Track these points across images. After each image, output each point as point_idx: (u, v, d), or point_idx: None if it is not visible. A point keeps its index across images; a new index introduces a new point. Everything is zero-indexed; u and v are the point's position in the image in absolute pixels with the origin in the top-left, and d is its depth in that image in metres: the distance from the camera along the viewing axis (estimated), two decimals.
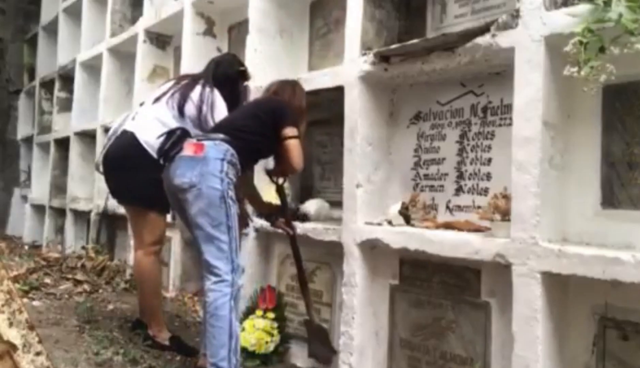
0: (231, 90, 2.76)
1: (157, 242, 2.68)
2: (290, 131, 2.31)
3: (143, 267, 2.66)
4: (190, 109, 2.62)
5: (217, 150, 2.15)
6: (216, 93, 2.66)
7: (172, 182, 2.17)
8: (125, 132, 2.66)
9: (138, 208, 2.68)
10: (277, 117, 2.34)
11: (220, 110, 2.63)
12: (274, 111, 2.37)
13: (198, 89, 2.67)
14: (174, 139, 2.25)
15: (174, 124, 2.57)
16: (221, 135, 2.24)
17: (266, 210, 2.67)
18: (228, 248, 2.11)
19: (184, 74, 2.96)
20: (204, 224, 2.11)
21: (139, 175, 2.57)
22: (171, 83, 2.80)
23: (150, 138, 2.55)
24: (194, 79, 2.76)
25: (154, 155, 2.55)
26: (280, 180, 2.56)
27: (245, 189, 2.57)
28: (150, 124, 2.61)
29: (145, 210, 2.64)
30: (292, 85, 2.54)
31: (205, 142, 2.18)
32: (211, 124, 2.56)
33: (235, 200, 2.18)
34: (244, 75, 2.86)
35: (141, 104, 2.85)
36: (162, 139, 2.31)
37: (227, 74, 2.78)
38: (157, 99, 2.71)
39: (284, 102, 2.42)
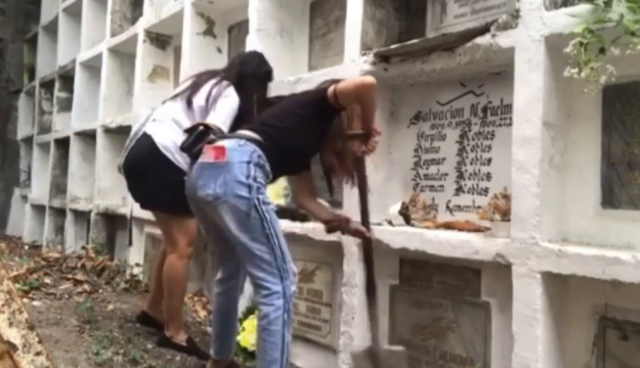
0: (259, 90, 2.67)
1: (190, 243, 2.65)
2: (332, 86, 1.97)
3: (176, 270, 2.62)
4: (199, 100, 2.55)
5: (242, 152, 1.93)
6: (231, 89, 2.55)
7: (195, 193, 1.98)
8: (145, 135, 2.59)
9: (165, 214, 2.64)
10: (315, 97, 2.04)
11: (226, 105, 2.49)
12: (311, 95, 2.10)
13: (212, 82, 2.59)
14: (195, 136, 2.05)
15: (185, 119, 2.54)
16: (247, 134, 2.01)
17: (334, 222, 2.24)
18: (271, 258, 1.92)
19: (206, 70, 2.84)
20: (239, 238, 1.91)
21: (161, 180, 2.51)
22: (190, 80, 2.73)
23: (168, 141, 2.52)
24: (212, 74, 2.68)
25: (173, 159, 2.50)
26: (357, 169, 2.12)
27: (303, 200, 2.30)
28: (166, 126, 2.57)
29: (174, 215, 2.59)
30: None
31: (228, 144, 1.95)
32: (210, 115, 2.44)
33: (269, 201, 1.97)
34: (270, 75, 2.79)
35: (163, 102, 2.78)
36: (183, 137, 2.23)
37: (256, 74, 2.67)
38: (174, 96, 2.68)
39: None
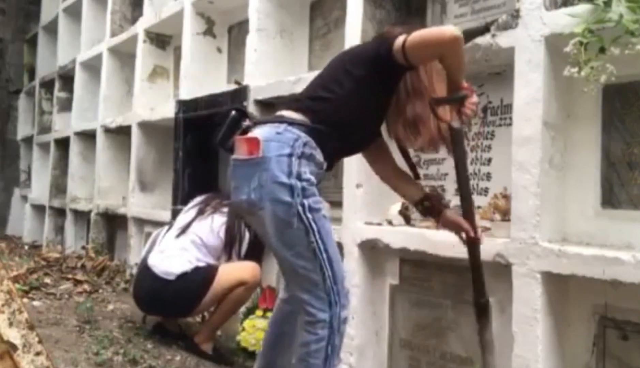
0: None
1: (248, 275, 2.65)
2: (400, 38, 1.52)
3: (241, 298, 2.67)
4: (210, 239, 2.72)
5: (281, 142, 1.54)
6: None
7: (233, 199, 1.68)
8: (146, 268, 2.66)
9: (208, 295, 2.64)
10: (377, 52, 1.58)
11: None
12: (370, 49, 1.64)
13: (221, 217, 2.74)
14: (228, 125, 1.66)
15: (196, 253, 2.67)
16: (289, 115, 1.62)
17: (426, 203, 1.80)
18: (319, 278, 1.55)
19: (213, 194, 2.96)
20: (280, 251, 1.58)
21: (179, 301, 2.61)
22: (195, 210, 2.82)
23: (171, 267, 2.59)
24: (221, 203, 2.81)
25: (175, 277, 2.57)
26: (450, 120, 1.61)
27: (381, 173, 1.87)
28: (172, 253, 2.67)
29: (210, 286, 2.60)
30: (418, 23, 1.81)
31: (263, 133, 1.57)
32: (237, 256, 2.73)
33: (318, 206, 1.56)
34: None
35: (167, 230, 2.85)
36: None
37: None
38: (181, 232, 2.74)
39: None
